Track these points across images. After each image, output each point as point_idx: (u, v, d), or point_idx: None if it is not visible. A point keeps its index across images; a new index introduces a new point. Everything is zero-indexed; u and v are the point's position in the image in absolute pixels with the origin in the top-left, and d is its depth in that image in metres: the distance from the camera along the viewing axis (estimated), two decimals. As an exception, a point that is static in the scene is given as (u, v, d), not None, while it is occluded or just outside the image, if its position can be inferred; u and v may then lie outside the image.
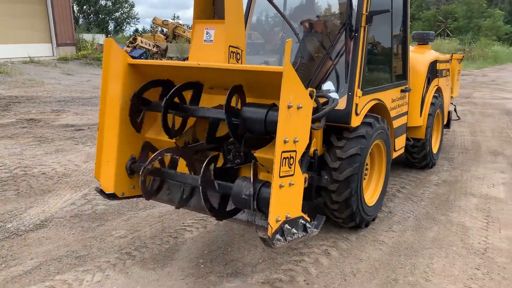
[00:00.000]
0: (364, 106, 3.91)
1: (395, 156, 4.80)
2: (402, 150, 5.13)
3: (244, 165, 3.43)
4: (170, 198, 3.44)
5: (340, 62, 3.95)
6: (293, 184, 2.79)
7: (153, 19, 41.32)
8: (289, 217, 2.82)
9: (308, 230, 3.04)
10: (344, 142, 3.79)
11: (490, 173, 5.95)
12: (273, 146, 3.06)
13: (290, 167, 2.73)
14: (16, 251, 3.62)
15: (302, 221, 2.98)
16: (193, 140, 3.57)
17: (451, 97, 7.23)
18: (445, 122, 6.83)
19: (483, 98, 13.76)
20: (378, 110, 4.23)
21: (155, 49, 24.89)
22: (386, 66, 4.61)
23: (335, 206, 3.85)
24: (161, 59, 21.86)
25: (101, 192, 3.34)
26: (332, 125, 3.84)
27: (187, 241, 3.86)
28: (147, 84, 3.28)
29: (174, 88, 3.12)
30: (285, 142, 2.60)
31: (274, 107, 2.87)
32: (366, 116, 3.93)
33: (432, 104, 5.78)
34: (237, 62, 3.47)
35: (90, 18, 56.80)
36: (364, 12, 3.78)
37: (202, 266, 3.43)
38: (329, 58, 3.94)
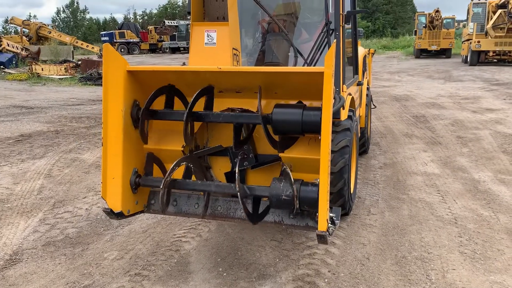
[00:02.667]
0: (345, 100, 4.15)
1: (356, 145, 5.16)
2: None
3: (254, 168, 3.43)
4: (184, 211, 3.29)
5: (322, 60, 4.13)
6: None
7: (10, 19, 37.24)
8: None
9: (335, 222, 3.18)
10: (334, 135, 3.98)
11: (416, 153, 6.73)
12: (296, 146, 3.12)
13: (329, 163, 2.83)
14: (4, 294, 3.11)
15: (330, 214, 3.11)
16: (195, 146, 3.45)
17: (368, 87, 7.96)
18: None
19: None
20: (351, 103, 4.51)
21: (24, 53, 22.52)
22: (350, 62, 4.93)
23: (329, 197, 4.03)
24: (35, 63, 19.82)
25: (110, 212, 3.04)
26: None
27: (191, 252, 3.70)
28: (153, 95, 3.06)
29: (194, 96, 2.97)
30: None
31: (306, 107, 2.92)
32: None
33: (367, 95, 6.32)
34: (237, 64, 3.44)
35: None
36: (341, 12, 4.01)
37: (225, 274, 3.34)
38: (312, 57, 4.09)
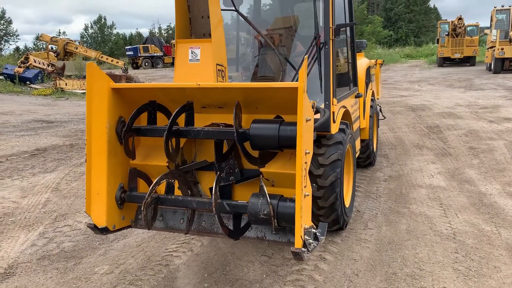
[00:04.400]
0: (337, 113, 4.13)
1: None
2: (359, 152, 5.47)
3: (239, 183, 3.42)
4: (170, 226, 3.31)
5: (312, 73, 4.12)
6: (307, 195, 2.86)
7: (40, 36, 38.48)
8: (306, 228, 2.89)
9: (319, 238, 3.13)
10: (325, 149, 3.95)
11: (424, 165, 6.59)
12: (276, 160, 3.11)
13: (304, 179, 2.80)
14: (-8, 308, 3.19)
15: (314, 230, 3.07)
16: (182, 161, 3.47)
17: (377, 98, 7.87)
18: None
19: (384, 97, 15.08)
20: (345, 116, 4.48)
21: (50, 68, 23.21)
22: (346, 75, 4.90)
23: (321, 212, 3.99)
24: (60, 78, 20.45)
25: (94, 227, 3.09)
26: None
27: (180, 267, 3.72)
28: (136, 112, 3.11)
29: (174, 114, 3.00)
30: (306, 153, 2.65)
31: (283, 122, 2.91)
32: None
33: (371, 106, 6.25)
34: (223, 80, 3.45)
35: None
36: (331, 25, 4.00)
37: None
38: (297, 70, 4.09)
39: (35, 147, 8.82)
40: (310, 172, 3.91)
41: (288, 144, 2.82)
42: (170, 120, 2.98)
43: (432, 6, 63.38)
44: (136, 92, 3.22)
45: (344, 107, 4.42)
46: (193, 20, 3.40)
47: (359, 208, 4.93)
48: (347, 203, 4.39)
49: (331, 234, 4.22)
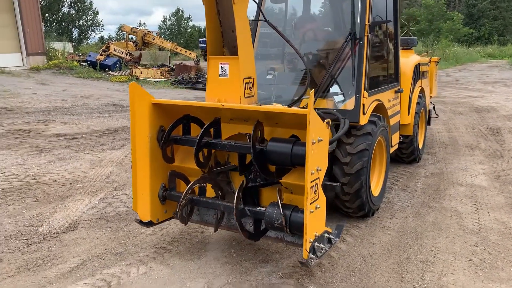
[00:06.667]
0: (369, 106, 4.36)
1: (391, 151, 5.27)
2: (397, 146, 5.62)
3: (265, 187, 3.76)
4: (205, 220, 3.85)
5: (346, 67, 4.39)
6: (319, 208, 3.17)
7: (121, 26, 40.84)
8: (317, 235, 3.22)
9: (332, 241, 3.46)
10: (353, 139, 4.21)
11: (471, 165, 6.54)
12: (293, 172, 3.43)
13: (315, 193, 3.09)
14: (56, 251, 3.85)
15: (327, 235, 3.40)
16: (215, 163, 3.91)
17: (430, 96, 7.84)
18: (426, 120, 7.41)
19: (451, 97, 14.63)
20: (379, 109, 4.68)
21: (128, 57, 24.86)
22: (383, 70, 5.09)
23: (346, 198, 4.27)
24: (136, 67, 21.90)
25: (140, 222, 3.70)
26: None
27: (213, 235, 4.18)
28: (173, 125, 3.58)
29: (202, 129, 3.47)
30: (311, 173, 2.93)
31: (297, 142, 3.23)
32: (370, 115, 4.37)
33: (417, 103, 6.31)
34: (250, 90, 3.75)
35: (53, 26, 55.61)
36: (367, 22, 4.24)
37: (234, 255, 3.77)
38: (336, 64, 4.36)
39: (107, 127, 9.77)
40: (337, 159, 4.20)
41: (299, 162, 3.14)
42: (199, 136, 3.45)
43: (521, 2, 58.89)
44: (173, 107, 3.70)
45: (378, 100, 4.62)
46: (224, 34, 3.68)
47: (391, 200, 5.11)
48: (375, 192, 4.61)
49: (356, 220, 4.48)
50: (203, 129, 3.47)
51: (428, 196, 5.23)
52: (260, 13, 4.64)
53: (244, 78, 3.58)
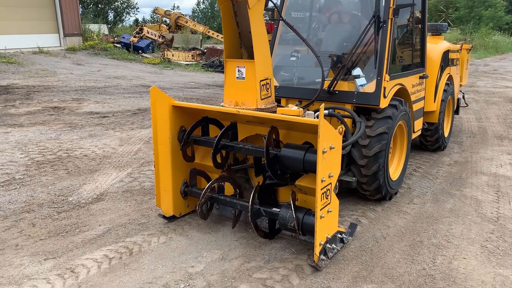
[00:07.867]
0: (391, 90, 4.36)
1: (413, 137, 5.26)
2: (420, 132, 5.60)
3: (281, 186, 3.85)
4: (224, 214, 4.11)
5: (369, 50, 4.40)
6: (331, 211, 3.26)
7: (155, 9, 41.23)
8: (329, 237, 3.32)
9: (345, 240, 3.57)
10: (373, 122, 4.25)
11: (497, 155, 6.43)
12: (307, 175, 3.51)
13: (327, 198, 3.19)
14: (84, 220, 4.09)
15: (339, 235, 3.50)
16: (233, 160, 4.07)
17: (460, 85, 7.68)
18: (454, 108, 7.29)
19: (486, 87, 14.21)
20: (401, 94, 4.68)
21: (161, 40, 25.23)
22: (408, 55, 5.05)
23: (364, 180, 4.32)
24: (168, 49, 22.20)
25: (164, 217, 3.99)
26: (361, 106, 4.32)
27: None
28: (192, 128, 3.76)
29: (220, 133, 3.61)
30: (322, 181, 3.02)
31: (310, 149, 3.31)
32: (391, 99, 4.38)
33: (444, 90, 6.23)
34: (267, 91, 3.81)
35: (90, 8, 56.76)
36: (391, 5, 4.22)
37: (250, 231, 3.90)
38: (359, 47, 4.37)
39: (137, 107, 10.05)
40: (356, 142, 4.24)
41: (311, 169, 3.24)
42: (216, 140, 3.59)
43: None
44: (192, 110, 3.84)
45: (401, 84, 4.61)
46: (242, 35, 3.76)
47: (411, 186, 5.12)
48: (394, 176, 4.64)
49: (372, 203, 4.53)
50: (220, 133, 3.62)
51: (449, 184, 5.20)
52: (279, 12, 4.71)
53: (261, 81, 3.65)
